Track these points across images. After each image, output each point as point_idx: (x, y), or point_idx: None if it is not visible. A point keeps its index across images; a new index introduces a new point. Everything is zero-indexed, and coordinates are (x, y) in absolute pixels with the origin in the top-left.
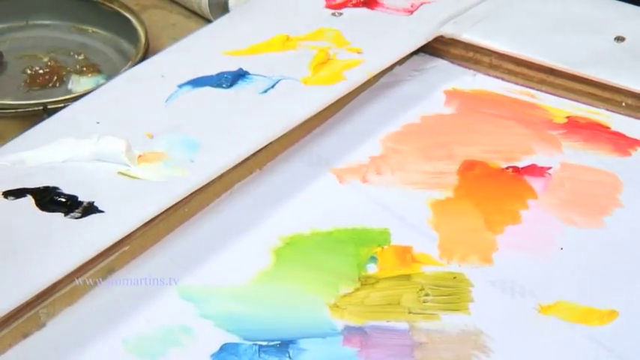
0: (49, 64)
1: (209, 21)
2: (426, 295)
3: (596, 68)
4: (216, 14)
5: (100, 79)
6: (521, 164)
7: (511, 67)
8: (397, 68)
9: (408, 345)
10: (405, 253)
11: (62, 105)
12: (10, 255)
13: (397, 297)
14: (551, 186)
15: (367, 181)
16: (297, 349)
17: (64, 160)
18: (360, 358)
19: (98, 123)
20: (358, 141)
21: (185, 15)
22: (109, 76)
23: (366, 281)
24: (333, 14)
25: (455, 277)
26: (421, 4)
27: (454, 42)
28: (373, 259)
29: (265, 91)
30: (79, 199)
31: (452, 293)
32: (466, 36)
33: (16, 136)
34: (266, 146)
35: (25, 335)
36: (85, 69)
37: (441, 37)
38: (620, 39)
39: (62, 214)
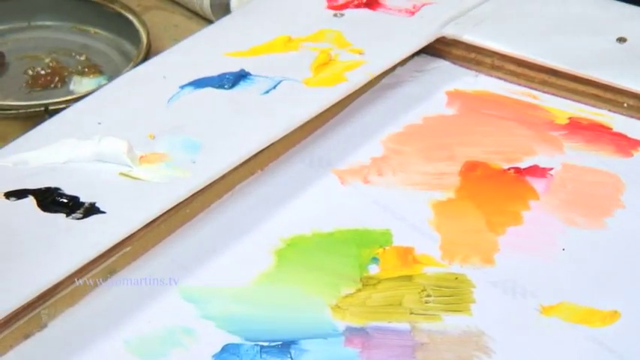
0: (50, 65)
1: (211, 22)
2: (428, 295)
3: (598, 69)
4: (218, 15)
5: (101, 80)
6: (522, 165)
7: (513, 68)
8: (399, 69)
9: (410, 346)
10: (406, 254)
11: (64, 106)
12: (12, 256)
13: (399, 298)
14: (552, 187)
15: (369, 182)
16: (298, 349)
17: (65, 160)
18: (362, 359)
19: (100, 124)
20: (360, 142)
21: (187, 16)
22: (111, 77)
23: (367, 282)
24: (335, 15)
25: (456, 278)
26: (423, 4)
27: (456, 43)
28: (375, 259)
29: (267, 92)
30: (81, 200)
31: (453, 294)
32: (468, 37)
33: (17, 136)
34: (267, 147)
35: (27, 336)
36: (86, 70)
37: (443, 38)
38: (622, 40)
39: (64, 215)
